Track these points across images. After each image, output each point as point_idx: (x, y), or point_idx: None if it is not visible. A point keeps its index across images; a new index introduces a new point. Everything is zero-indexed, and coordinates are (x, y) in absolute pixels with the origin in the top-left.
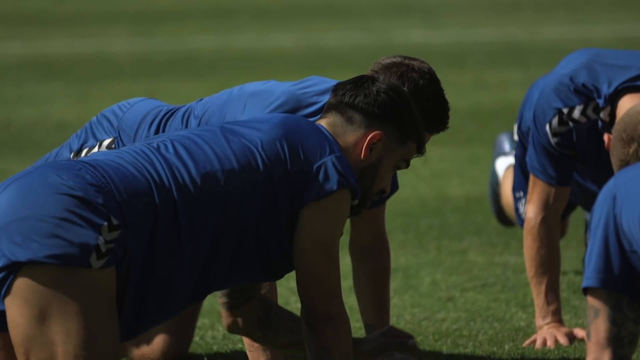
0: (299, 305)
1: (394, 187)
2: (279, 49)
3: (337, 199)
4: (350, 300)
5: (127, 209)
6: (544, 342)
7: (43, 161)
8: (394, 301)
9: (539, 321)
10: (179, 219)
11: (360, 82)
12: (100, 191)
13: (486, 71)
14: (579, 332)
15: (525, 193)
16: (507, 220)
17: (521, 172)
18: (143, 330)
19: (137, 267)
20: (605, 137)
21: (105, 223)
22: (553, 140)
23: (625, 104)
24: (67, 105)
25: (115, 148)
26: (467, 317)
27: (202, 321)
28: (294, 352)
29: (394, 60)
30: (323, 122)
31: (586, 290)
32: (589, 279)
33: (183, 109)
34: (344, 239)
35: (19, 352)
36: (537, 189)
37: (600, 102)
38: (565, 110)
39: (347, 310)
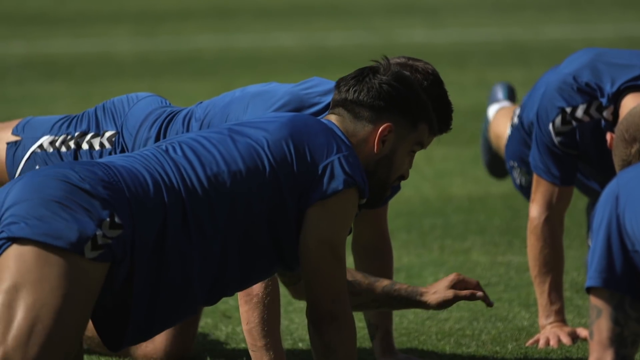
0: (302, 304)
1: (396, 187)
2: (281, 49)
3: (344, 199)
4: None
5: (137, 207)
6: (547, 342)
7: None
8: None
9: (542, 321)
10: (188, 220)
11: (361, 76)
12: (109, 187)
13: (489, 71)
14: (582, 332)
15: (519, 163)
16: (498, 172)
17: (516, 142)
18: (157, 332)
19: (144, 268)
20: (608, 136)
21: (108, 219)
22: (556, 140)
23: (628, 103)
24: (69, 104)
25: (116, 142)
26: (470, 317)
27: (205, 321)
28: (361, 311)
29: (397, 61)
30: (332, 118)
31: (589, 290)
32: (591, 278)
33: (183, 113)
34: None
35: None
36: (540, 189)
37: (604, 101)
38: (568, 110)
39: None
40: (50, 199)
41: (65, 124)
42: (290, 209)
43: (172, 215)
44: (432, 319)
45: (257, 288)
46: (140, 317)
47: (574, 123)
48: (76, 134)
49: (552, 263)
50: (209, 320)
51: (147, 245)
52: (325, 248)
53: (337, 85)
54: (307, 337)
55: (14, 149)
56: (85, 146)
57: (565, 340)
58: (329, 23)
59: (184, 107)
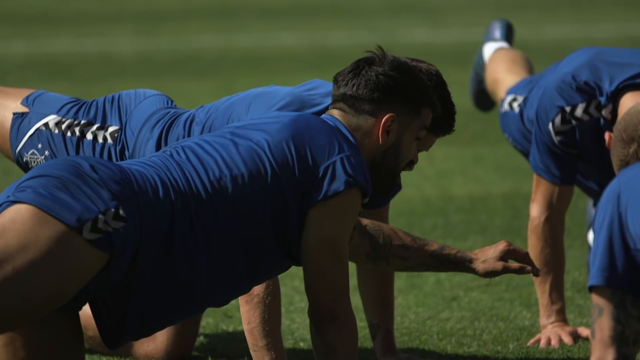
0: (302, 304)
1: (397, 187)
2: (283, 49)
3: (345, 199)
4: (353, 300)
5: (145, 206)
6: (548, 342)
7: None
8: (399, 300)
9: (543, 320)
10: (193, 223)
11: (358, 70)
12: (119, 183)
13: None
14: (583, 331)
15: (512, 140)
16: (484, 105)
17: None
18: (158, 330)
19: (149, 267)
20: (606, 135)
21: (113, 209)
22: (556, 139)
23: (627, 101)
24: None
25: (118, 139)
26: (471, 317)
27: (206, 320)
28: (409, 272)
29: None
30: (335, 114)
31: (591, 289)
32: (593, 277)
33: (185, 116)
34: None
35: None
36: (540, 188)
37: (602, 100)
38: (567, 109)
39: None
40: (61, 180)
41: (74, 108)
42: (293, 210)
43: (179, 217)
44: (433, 319)
45: (258, 288)
46: (140, 316)
47: (574, 122)
48: (83, 121)
49: (553, 263)
50: (210, 320)
51: (154, 245)
52: (326, 248)
53: (335, 80)
54: (309, 336)
55: (19, 120)
56: (89, 136)
57: (567, 339)
58: (330, 23)
59: (186, 110)
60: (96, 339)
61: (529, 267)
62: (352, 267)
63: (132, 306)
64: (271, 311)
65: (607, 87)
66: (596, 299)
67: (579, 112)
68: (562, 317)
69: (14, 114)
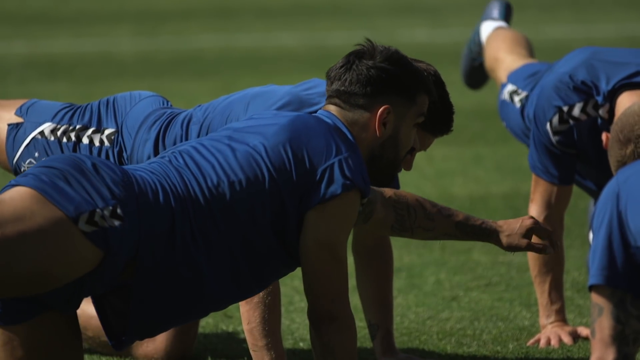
0: (302, 304)
1: (396, 187)
2: (283, 49)
3: (342, 202)
4: (353, 300)
5: (144, 209)
6: (548, 342)
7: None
8: (398, 300)
9: (542, 320)
10: (193, 228)
11: (349, 64)
12: (120, 183)
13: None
14: (583, 331)
15: (510, 130)
16: (475, 83)
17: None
18: (162, 331)
19: (150, 270)
20: (603, 136)
21: (111, 207)
22: (554, 139)
23: (624, 101)
24: None
25: (115, 141)
26: (471, 317)
27: (206, 320)
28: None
29: None
30: (331, 109)
31: (591, 288)
32: (593, 276)
33: (182, 116)
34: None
35: None
36: (539, 188)
37: (599, 99)
38: (565, 109)
39: (352, 310)
40: (63, 172)
41: (69, 114)
42: (291, 213)
43: (179, 221)
44: (433, 319)
45: None
46: (142, 316)
47: (571, 122)
48: (78, 126)
49: (552, 263)
50: (210, 320)
51: (155, 247)
52: (324, 249)
53: (328, 76)
54: (308, 336)
55: (15, 131)
56: (85, 140)
57: (566, 339)
58: (330, 23)
59: (183, 109)
60: (96, 339)
61: (550, 248)
62: (351, 267)
63: (133, 307)
64: (271, 311)
65: (604, 87)
66: (596, 298)
67: (576, 111)
68: (561, 317)
69: (9, 125)
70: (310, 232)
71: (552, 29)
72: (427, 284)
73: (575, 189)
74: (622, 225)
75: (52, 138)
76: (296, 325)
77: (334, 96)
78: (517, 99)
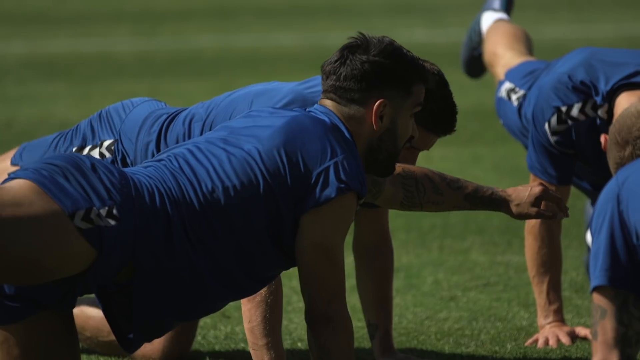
0: (300, 304)
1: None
2: (282, 49)
3: (337, 205)
4: (352, 300)
5: (140, 212)
6: (546, 342)
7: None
8: (396, 300)
9: (541, 320)
10: (188, 232)
11: (343, 59)
12: (116, 185)
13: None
14: (581, 331)
15: (517, 84)
16: (475, 72)
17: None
18: (171, 328)
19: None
20: (602, 138)
21: (107, 207)
22: (552, 139)
23: (623, 101)
24: (69, 104)
25: (115, 150)
26: (469, 317)
27: (204, 320)
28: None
29: None
30: (328, 104)
31: (593, 290)
32: (597, 278)
33: (184, 114)
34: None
35: None
36: None
37: (598, 99)
38: (563, 109)
39: (349, 310)
40: (62, 169)
41: (61, 141)
42: (287, 216)
43: (175, 226)
44: (431, 319)
45: None
46: (144, 316)
47: (570, 122)
48: (74, 148)
49: (550, 263)
50: (208, 320)
51: (152, 248)
52: (319, 252)
53: (322, 70)
54: (306, 337)
55: None
56: None
57: (564, 340)
58: (329, 23)
59: (183, 108)
60: (94, 339)
61: (561, 214)
62: (350, 267)
63: (135, 307)
64: (272, 310)
65: (603, 87)
66: (598, 299)
67: (575, 112)
68: (559, 317)
69: (9, 175)
70: (306, 235)
71: (550, 29)
72: (425, 284)
73: (573, 189)
74: (623, 225)
75: None
76: (294, 326)
77: (330, 91)
78: (514, 97)
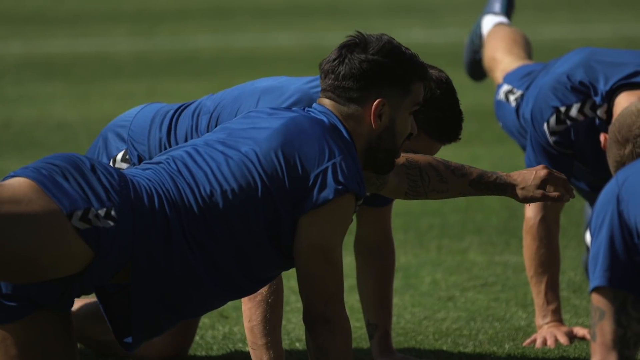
0: (299, 304)
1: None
2: (279, 49)
3: (335, 206)
4: (350, 300)
5: (139, 215)
6: (544, 342)
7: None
8: (395, 300)
9: (539, 320)
10: (186, 235)
11: (341, 58)
12: (115, 187)
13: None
14: (579, 331)
15: (507, 131)
16: (478, 75)
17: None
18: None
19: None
20: (602, 137)
21: (105, 208)
22: (551, 139)
23: (622, 101)
24: (67, 104)
25: (130, 157)
26: (467, 317)
27: (202, 321)
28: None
29: None
30: (326, 103)
31: (592, 291)
32: (597, 278)
33: (193, 106)
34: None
35: None
36: None
37: (597, 99)
38: (562, 109)
39: (347, 310)
40: (61, 169)
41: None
42: (285, 217)
43: (174, 229)
44: (429, 319)
45: None
46: (143, 316)
47: (569, 122)
48: None
49: (548, 263)
50: (206, 320)
51: (151, 253)
52: (317, 253)
53: (321, 69)
54: (304, 337)
55: None
56: None
57: (562, 340)
58: (327, 23)
59: (190, 102)
60: (92, 340)
61: (567, 196)
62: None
63: (133, 307)
64: (273, 310)
65: (602, 87)
66: (597, 301)
67: (573, 112)
68: (557, 317)
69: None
70: (304, 237)
71: (548, 29)
72: (423, 284)
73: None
74: (623, 225)
75: None
76: (292, 326)
77: (328, 90)
78: (512, 98)
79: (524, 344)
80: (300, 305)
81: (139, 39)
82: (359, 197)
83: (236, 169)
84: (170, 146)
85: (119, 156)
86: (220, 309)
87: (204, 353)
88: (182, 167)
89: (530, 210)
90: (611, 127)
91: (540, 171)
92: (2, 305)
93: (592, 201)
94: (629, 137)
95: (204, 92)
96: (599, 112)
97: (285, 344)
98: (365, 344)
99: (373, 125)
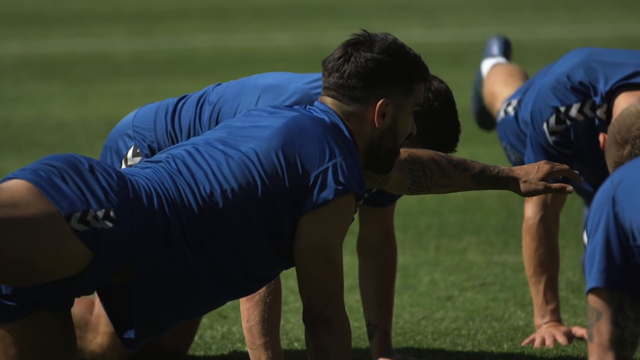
0: (297, 304)
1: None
2: (278, 49)
3: (335, 207)
4: (349, 300)
5: (138, 216)
6: (543, 342)
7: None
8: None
9: (537, 320)
10: (186, 235)
11: (347, 56)
12: (114, 187)
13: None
14: (578, 331)
15: (510, 147)
16: (487, 124)
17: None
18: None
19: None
20: (601, 137)
21: (104, 209)
22: (551, 139)
23: (622, 102)
24: (66, 104)
25: (140, 151)
26: (465, 317)
27: (201, 321)
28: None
29: None
30: (328, 102)
31: (589, 292)
32: (593, 279)
33: (198, 94)
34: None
35: None
36: None
37: (597, 100)
38: (562, 109)
39: (346, 310)
40: (59, 170)
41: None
42: (285, 217)
43: (174, 229)
44: (427, 319)
45: None
46: (144, 315)
47: (568, 122)
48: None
49: (547, 263)
50: (204, 320)
51: (151, 253)
52: (317, 253)
53: (325, 67)
54: (303, 337)
55: None
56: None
57: (561, 339)
58: (325, 23)
59: (193, 93)
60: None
61: (569, 187)
62: (347, 267)
63: (134, 307)
64: (271, 310)
65: (602, 87)
66: (594, 301)
67: (573, 112)
68: (556, 317)
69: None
70: (304, 237)
71: (547, 29)
72: (421, 284)
73: None
74: (618, 226)
75: None
76: (291, 326)
77: (332, 89)
78: (510, 108)
79: (523, 343)
80: (299, 305)
81: (137, 39)
82: (359, 198)
83: (236, 168)
84: (174, 134)
85: (130, 153)
86: (219, 308)
87: (202, 353)
88: (182, 166)
89: (530, 210)
90: (610, 128)
91: (544, 165)
92: (1, 305)
93: (591, 201)
94: (628, 138)
95: None
96: (598, 112)
97: (284, 343)
98: (364, 343)
99: (376, 125)
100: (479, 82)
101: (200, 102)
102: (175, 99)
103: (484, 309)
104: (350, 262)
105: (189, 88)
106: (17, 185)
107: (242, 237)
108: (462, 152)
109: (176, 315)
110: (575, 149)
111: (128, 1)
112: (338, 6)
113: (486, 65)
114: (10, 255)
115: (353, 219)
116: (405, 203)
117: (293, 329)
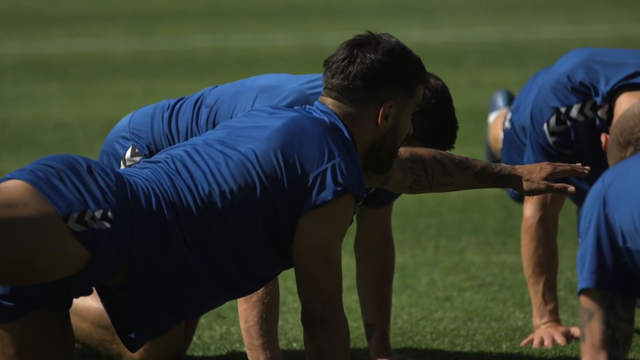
0: (296, 305)
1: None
2: (277, 49)
3: (334, 207)
4: (347, 300)
5: (137, 216)
6: (541, 342)
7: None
8: (392, 301)
9: (536, 321)
10: (185, 236)
11: (352, 57)
12: (112, 188)
13: (484, 71)
14: (576, 331)
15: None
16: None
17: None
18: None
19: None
20: (603, 137)
21: (102, 210)
22: (551, 140)
23: (623, 102)
24: (65, 104)
25: (138, 151)
26: (464, 317)
27: (199, 321)
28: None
29: None
30: (329, 103)
31: (580, 293)
32: (584, 280)
33: (195, 96)
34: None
35: None
36: None
37: (598, 100)
38: (562, 109)
39: (345, 310)
40: (57, 171)
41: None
42: (284, 218)
43: (172, 229)
44: (426, 319)
45: None
46: (144, 315)
47: (569, 123)
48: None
49: (546, 263)
50: (203, 321)
51: (150, 254)
52: (316, 253)
53: (328, 67)
54: (301, 337)
55: None
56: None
57: (560, 340)
58: (324, 23)
59: (190, 95)
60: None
61: (571, 187)
62: (345, 267)
63: (133, 307)
64: (269, 310)
65: (603, 88)
66: (586, 302)
67: (574, 112)
68: (555, 318)
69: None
70: (303, 238)
71: (546, 29)
72: (420, 284)
73: None
74: (609, 227)
75: None
76: (289, 326)
77: (334, 90)
78: (506, 123)
79: (521, 344)
80: (297, 305)
81: (136, 39)
82: (358, 198)
83: (235, 169)
84: (171, 136)
85: (128, 153)
86: (218, 309)
87: (201, 353)
88: (180, 166)
89: (529, 210)
90: (613, 129)
91: (548, 167)
92: (0, 305)
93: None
94: (631, 139)
95: None
96: (599, 112)
97: (283, 344)
98: (362, 344)
99: (380, 127)
100: (487, 134)
101: (197, 105)
102: (172, 101)
103: (482, 309)
104: (348, 262)
105: (188, 88)
106: (14, 186)
107: (241, 238)
108: (461, 152)
109: (176, 315)
110: (575, 150)
111: (127, 1)
112: (337, 6)
113: (492, 118)
114: (8, 255)
115: (352, 220)
116: (404, 203)
117: (291, 329)
